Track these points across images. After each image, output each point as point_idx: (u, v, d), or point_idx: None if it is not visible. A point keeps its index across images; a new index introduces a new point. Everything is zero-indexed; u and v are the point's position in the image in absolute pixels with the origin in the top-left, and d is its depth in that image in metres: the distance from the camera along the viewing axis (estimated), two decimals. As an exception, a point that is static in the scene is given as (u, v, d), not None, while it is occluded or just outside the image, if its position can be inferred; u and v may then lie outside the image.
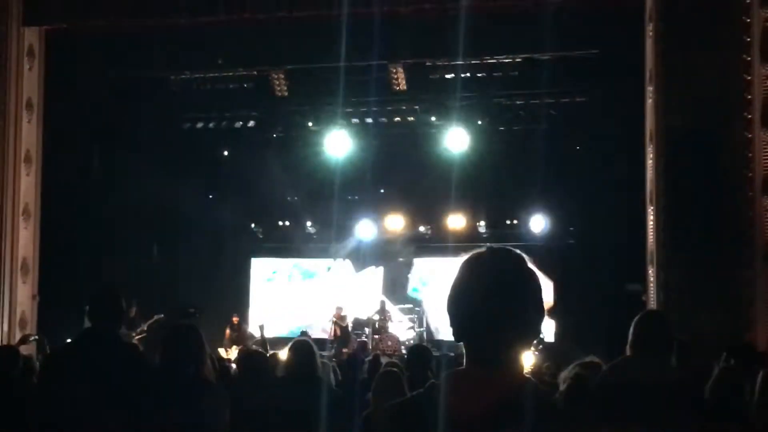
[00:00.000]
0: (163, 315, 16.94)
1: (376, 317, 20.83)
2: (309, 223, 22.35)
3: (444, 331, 17.36)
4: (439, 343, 18.54)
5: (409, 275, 22.61)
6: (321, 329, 20.90)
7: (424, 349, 9.30)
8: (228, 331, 19.83)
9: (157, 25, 15.67)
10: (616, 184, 16.51)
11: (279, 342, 15.98)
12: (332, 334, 20.37)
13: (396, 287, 22.43)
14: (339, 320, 20.56)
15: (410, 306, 21.77)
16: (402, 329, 20.86)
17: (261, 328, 19.54)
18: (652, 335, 5.37)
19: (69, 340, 12.46)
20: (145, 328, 16.51)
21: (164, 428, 5.23)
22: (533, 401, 2.49)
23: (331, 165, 20.33)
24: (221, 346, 18.52)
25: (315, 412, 6.55)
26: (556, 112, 19.04)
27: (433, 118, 19.92)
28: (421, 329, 20.52)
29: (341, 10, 14.66)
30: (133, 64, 17.88)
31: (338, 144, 20.20)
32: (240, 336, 19.72)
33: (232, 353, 18.02)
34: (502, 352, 2.53)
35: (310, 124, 20.52)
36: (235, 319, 20.11)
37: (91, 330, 5.79)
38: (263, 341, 18.95)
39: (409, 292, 22.39)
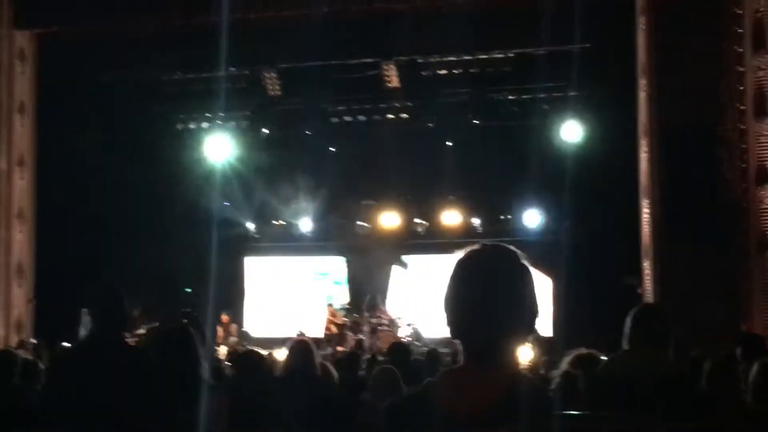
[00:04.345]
0: (159, 323, 16.91)
1: (373, 315, 20.83)
2: (303, 222, 22.33)
3: (439, 329, 17.35)
4: (434, 341, 18.54)
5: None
6: (316, 329, 20.82)
7: (402, 346, 9.39)
8: (218, 330, 19.75)
9: (150, 27, 15.64)
10: (611, 178, 16.51)
11: (274, 343, 15.95)
12: (327, 331, 20.36)
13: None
14: (333, 318, 20.51)
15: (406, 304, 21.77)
16: (398, 327, 20.82)
17: (244, 334, 19.59)
18: (649, 328, 5.37)
19: (68, 345, 12.45)
20: (143, 332, 16.49)
21: (163, 429, 5.22)
22: (530, 397, 2.50)
23: (325, 163, 20.35)
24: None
25: (314, 412, 6.54)
26: (549, 106, 19.06)
27: (426, 115, 19.91)
28: (417, 327, 20.48)
29: (333, 8, 14.67)
30: (126, 66, 17.86)
31: (331, 142, 20.20)
32: (228, 335, 19.65)
33: (220, 353, 18.00)
34: (498, 349, 2.53)
35: (303, 122, 20.49)
36: (224, 318, 20.01)
37: (96, 334, 5.74)
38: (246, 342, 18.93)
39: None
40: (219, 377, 7.92)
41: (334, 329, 20.28)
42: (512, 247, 2.63)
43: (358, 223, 22.10)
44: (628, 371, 5.26)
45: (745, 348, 7.07)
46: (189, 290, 18.74)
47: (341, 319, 20.66)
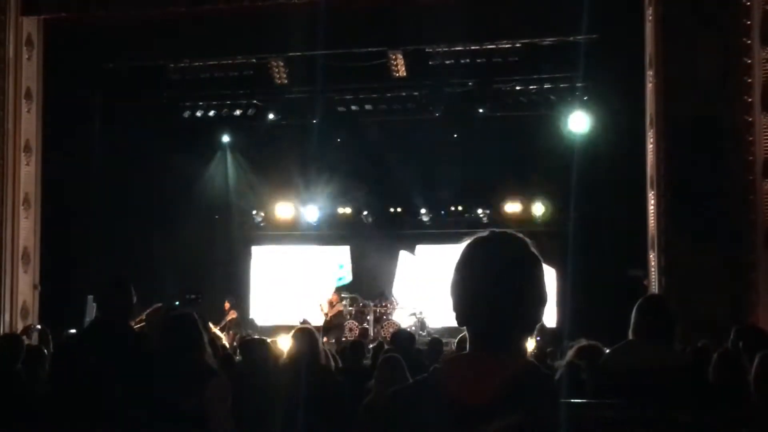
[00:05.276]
0: (161, 304, 16.91)
1: (378, 304, 20.83)
2: (309, 211, 22.32)
3: (446, 317, 17.36)
4: (440, 330, 18.56)
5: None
6: (316, 316, 20.78)
7: (405, 333, 9.39)
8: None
9: (157, 14, 15.63)
10: (617, 169, 16.49)
11: (280, 330, 15.96)
12: (328, 318, 20.34)
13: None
14: (331, 309, 20.44)
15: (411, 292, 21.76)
16: (404, 316, 20.84)
17: (251, 322, 19.55)
18: (654, 320, 5.38)
19: (74, 331, 12.49)
20: (144, 317, 16.47)
21: (167, 416, 5.23)
22: (536, 386, 2.49)
23: (331, 152, 20.36)
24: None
25: (318, 400, 6.55)
26: (556, 97, 19.04)
27: (432, 105, 19.88)
28: (422, 315, 20.50)
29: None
30: (132, 53, 17.84)
31: (338, 131, 20.19)
32: (229, 322, 19.66)
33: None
34: (505, 337, 2.53)
35: (309, 111, 20.48)
36: (226, 305, 20.00)
37: (102, 321, 5.75)
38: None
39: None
40: (225, 364, 7.93)
41: (333, 320, 20.17)
42: (521, 235, 2.62)
43: (365, 212, 22.09)
44: (632, 362, 5.27)
45: (746, 341, 7.07)
46: (177, 303, 18.74)
47: (340, 306, 20.53)
